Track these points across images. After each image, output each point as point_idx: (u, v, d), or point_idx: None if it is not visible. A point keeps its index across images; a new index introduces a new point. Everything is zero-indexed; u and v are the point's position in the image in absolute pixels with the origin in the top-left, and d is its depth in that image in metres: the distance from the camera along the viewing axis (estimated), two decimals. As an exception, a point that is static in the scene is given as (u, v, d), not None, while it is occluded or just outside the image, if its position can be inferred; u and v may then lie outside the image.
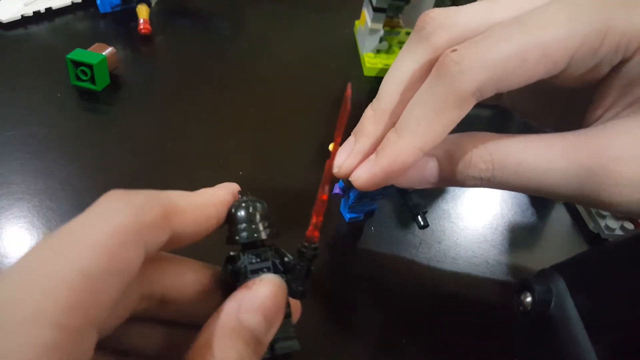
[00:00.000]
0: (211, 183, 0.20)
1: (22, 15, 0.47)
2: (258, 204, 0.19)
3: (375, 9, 0.48)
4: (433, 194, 0.40)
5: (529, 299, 0.30)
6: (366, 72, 0.50)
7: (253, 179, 0.37)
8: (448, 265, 0.35)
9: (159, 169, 0.36)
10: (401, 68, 0.24)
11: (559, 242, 0.39)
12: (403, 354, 0.29)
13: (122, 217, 0.14)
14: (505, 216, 0.39)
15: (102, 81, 0.41)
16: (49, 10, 0.48)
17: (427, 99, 0.22)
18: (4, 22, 0.46)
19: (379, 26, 0.50)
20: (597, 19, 0.20)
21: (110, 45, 0.42)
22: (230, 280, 0.19)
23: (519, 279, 0.31)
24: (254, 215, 0.19)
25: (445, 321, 0.31)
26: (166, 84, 0.44)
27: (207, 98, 0.43)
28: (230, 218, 0.19)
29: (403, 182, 0.24)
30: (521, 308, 0.30)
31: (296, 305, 0.20)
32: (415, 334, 0.30)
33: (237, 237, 0.19)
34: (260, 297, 0.17)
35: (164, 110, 0.42)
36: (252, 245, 0.19)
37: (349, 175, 0.25)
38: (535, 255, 0.37)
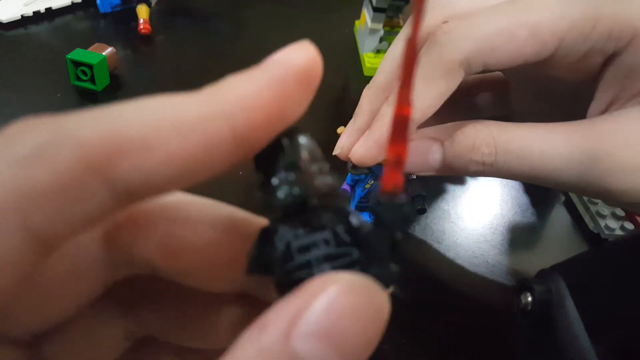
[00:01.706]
0: (211, 182, 0.19)
1: (22, 15, 0.47)
2: (304, 139, 0.12)
3: (375, 9, 0.48)
4: (433, 194, 0.40)
5: (529, 299, 0.30)
6: (366, 72, 0.50)
7: (253, 179, 0.37)
8: (448, 266, 0.35)
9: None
10: (396, 47, 0.25)
11: (559, 242, 0.39)
12: (403, 354, 0.29)
13: None
14: (505, 216, 0.39)
15: (102, 81, 0.41)
16: (49, 10, 0.48)
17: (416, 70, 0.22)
18: (4, 22, 0.46)
19: (379, 26, 0.50)
20: (589, 5, 0.20)
21: (110, 45, 0.42)
22: (264, 270, 0.11)
23: (519, 279, 0.31)
24: (296, 156, 0.12)
25: (445, 321, 0.31)
26: (166, 84, 0.44)
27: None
28: (258, 160, 0.12)
29: (407, 167, 0.25)
30: (521, 308, 0.30)
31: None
32: (414, 333, 0.30)
33: (268, 199, 0.11)
34: (327, 312, 0.09)
35: (164, 110, 0.41)
36: (298, 207, 0.11)
37: (349, 153, 0.25)
38: (535, 256, 0.37)
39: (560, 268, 0.30)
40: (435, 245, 0.36)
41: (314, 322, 0.09)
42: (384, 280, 0.11)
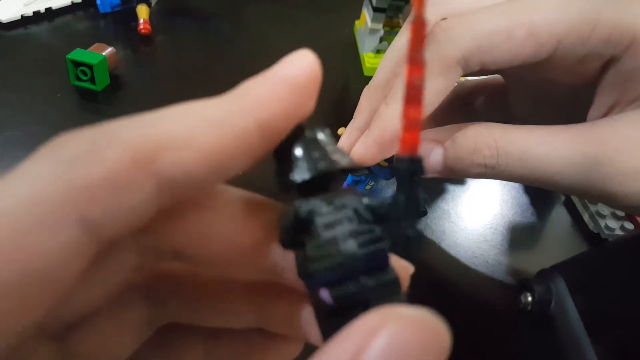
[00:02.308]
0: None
1: (22, 15, 0.47)
2: (319, 131, 0.13)
3: (375, 9, 0.48)
4: (433, 194, 0.40)
5: (529, 299, 0.30)
6: (366, 72, 0.50)
7: (254, 179, 0.37)
8: (448, 266, 0.35)
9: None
10: (395, 45, 0.25)
11: (559, 242, 0.39)
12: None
13: (36, 185, 0.09)
14: (505, 216, 0.39)
15: (102, 81, 0.41)
16: (48, 10, 0.48)
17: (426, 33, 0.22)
18: (4, 22, 0.46)
19: (379, 26, 0.50)
20: (588, 9, 0.20)
21: (110, 45, 0.42)
22: (292, 245, 0.12)
23: (519, 279, 0.31)
24: (315, 142, 0.12)
25: (444, 321, 0.31)
26: (166, 84, 0.44)
27: (207, 98, 0.43)
28: (278, 151, 0.13)
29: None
30: (521, 308, 0.31)
31: (401, 268, 0.14)
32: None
33: (292, 175, 0.12)
34: (390, 350, 0.08)
35: (164, 110, 0.42)
36: (318, 188, 0.12)
37: (349, 152, 0.25)
38: (535, 256, 0.37)
39: (560, 268, 0.30)
40: (435, 245, 0.36)
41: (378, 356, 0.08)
42: (407, 243, 0.12)
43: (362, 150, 0.24)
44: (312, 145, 0.12)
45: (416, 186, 0.12)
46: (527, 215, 0.40)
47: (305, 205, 0.12)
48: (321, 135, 0.13)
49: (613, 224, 0.38)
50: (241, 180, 0.13)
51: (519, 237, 0.38)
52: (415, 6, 0.11)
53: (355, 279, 0.11)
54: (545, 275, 0.30)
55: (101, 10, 0.50)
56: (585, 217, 0.40)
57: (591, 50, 0.21)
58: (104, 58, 0.40)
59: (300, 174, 0.12)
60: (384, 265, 0.11)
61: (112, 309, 0.13)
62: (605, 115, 0.22)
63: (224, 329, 0.15)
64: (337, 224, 0.11)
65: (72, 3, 0.50)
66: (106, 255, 0.12)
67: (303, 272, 0.12)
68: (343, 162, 0.12)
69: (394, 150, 0.24)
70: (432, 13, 0.23)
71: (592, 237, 0.39)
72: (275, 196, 0.14)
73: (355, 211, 0.12)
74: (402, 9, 0.50)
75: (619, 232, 0.38)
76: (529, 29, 0.20)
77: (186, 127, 0.10)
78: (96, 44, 0.41)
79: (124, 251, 0.12)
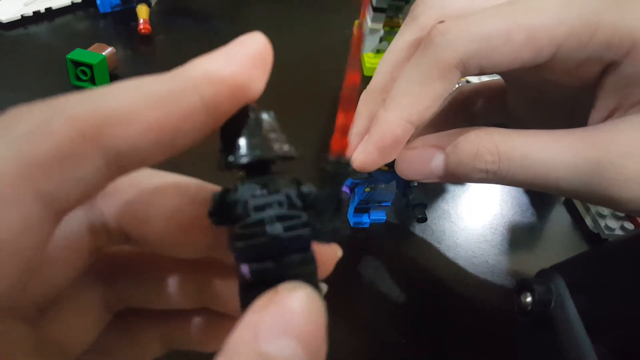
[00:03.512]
0: (182, 162, 0.18)
1: (22, 15, 0.47)
2: (264, 113, 0.13)
3: (375, 9, 0.48)
4: (433, 194, 0.40)
5: (529, 299, 0.30)
6: (366, 72, 0.50)
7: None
8: (447, 265, 0.35)
9: (158, 168, 0.36)
10: (392, 49, 0.25)
11: (558, 242, 0.39)
12: (403, 354, 0.29)
13: None
14: (505, 216, 0.39)
15: (102, 81, 0.41)
16: (48, 10, 0.48)
17: (412, 71, 0.22)
18: (4, 22, 0.46)
19: (379, 26, 0.50)
20: (588, 12, 0.20)
21: (110, 45, 0.42)
22: (222, 222, 0.13)
23: (519, 279, 0.31)
24: (258, 126, 0.13)
25: (444, 321, 0.31)
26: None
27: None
28: (224, 130, 0.13)
29: (409, 174, 0.24)
30: (521, 308, 0.31)
31: (327, 253, 0.15)
32: (414, 333, 0.30)
33: (231, 157, 0.13)
34: (293, 313, 0.11)
35: (164, 110, 0.42)
36: (257, 171, 0.13)
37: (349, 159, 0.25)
38: (535, 255, 0.37)
39: (560, 268, 0.30)
40: (435, 245, 0.36)
41: (280, 320, 0.11)
42: (330, 235, 0.13)
43: (363, 157, 0.24)
44: (254, 129, 0.13)
45: (339, 186, 0.13)
46: (527, 215, 0.40)
47: (238, 189, 0.13)
48: (266, 117, 0.13)
49: (613, 223, 0.38)
50: (188, 161, 0.13)
51: (519, 237, 0.38)
52: (361, 12, 0.11)
53: (276, 258, 0.12)
54: (545, 275, 0.30)
55: (101, 10, 0.50)
56: (585, 217, 0.40)
57: (591, 54, 0.20)
58: (104, 58, 0.40)
59: (239, 158, 0.13)
60: (306, 249, 0.13)
61: (73, 292, 0.14)
62: (606, 118, 0.22)
63: (176, 312, 0.16)
64: (267, 207, 0.12)
65: (72, 3, 0.50)
66: (66, 233, 0.13)
67: (230, 247, 0.12)
68: (280, 150, 0.13)
69: (394, 155, 0.24)
70: (429, 15, 0.23)
71: (592, 237, 0.39)
72: (218, 174, 0.14)
73: (287, 196, 0.13)
74: (402, 9, 0.50)
75: (619, 232, 0.38)
76: (528, 33, 0.20)
77: (132, 102, 0.11)
78: (96, 44, 0.41)
79: (79, 229, 0.13)
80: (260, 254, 0.12)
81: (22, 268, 0.10)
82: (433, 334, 0.30)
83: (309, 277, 0.12)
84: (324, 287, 0.14)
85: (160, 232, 0.14)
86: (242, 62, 0.12)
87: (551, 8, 0.20)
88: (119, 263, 0.16)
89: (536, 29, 0.20)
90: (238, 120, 0.13)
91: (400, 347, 0.29)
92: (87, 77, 0.40)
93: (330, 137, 0.13)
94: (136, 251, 0.15)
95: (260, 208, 0.12)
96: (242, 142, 0.13)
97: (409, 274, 0.33)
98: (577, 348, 0.27)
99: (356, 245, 0.34)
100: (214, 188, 0.14)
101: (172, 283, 0.16)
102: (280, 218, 0.12)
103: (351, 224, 0.35)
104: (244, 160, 0.12)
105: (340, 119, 0.12)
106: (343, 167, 0.13)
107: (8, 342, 0.12)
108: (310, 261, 0.13)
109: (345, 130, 0.12)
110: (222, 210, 0.13)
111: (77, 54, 0.39)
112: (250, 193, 0.12)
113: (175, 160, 0.12)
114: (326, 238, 0.13)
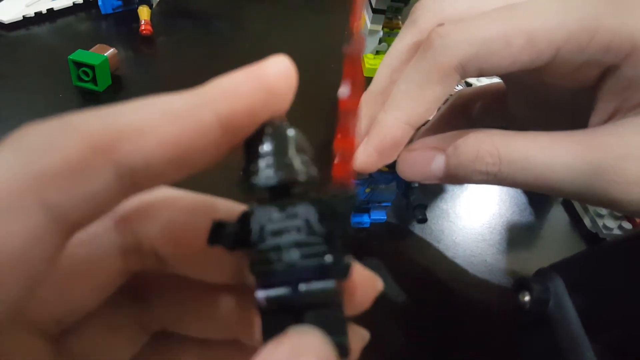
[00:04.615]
0: (210, 183, 0.19)
1: (23, 16, 0.47)
2: (291, 130, 0.13)
3: (375, 10, 0.48)
4: (432, 193, 0.40)
5: (527, 298, 0.30)
6: (366, 73, 0.51)
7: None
8: (446, 265, 0.35)
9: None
10: (392, 52, 0.25)
11: (557, 241, 0.39)
12: (403, 354, 0.29)
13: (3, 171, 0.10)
14: (503, 216, 0.40)
15: (104, 82, 0.41)
16: (50, 11, 0.49)
17: (412, 74, 0.22)
18: (6, 23, 0.46)
19: (378, 27, 0.50)
20: (587, 16, 0.20)
21: (111, 46, 0.42)
22: (239, 246, 0.12)
23: (517, 278, 0.31)
24: (282, 145, 0.12)
25: (443, 320, 0.32)
26: (167, 85, 0.45)
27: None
28: (246, 148, 0.13)
29: (410, 175, 0.25)
30: (519, 307, 0.31)
31: (366, 284, 0.14)
32: (414, 333, 0.30)
33: (252, 180, 0.12)
34: None
35: (165, 110, 0.42)
36: (279, 192, 0.12)
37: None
38: (533, 255, 0.37)
39: (559, 267, 0.30)
40: (435, 245, 0.36)
41: None
42: (336, 272, 0.12)
43: (363, 159, 0.24)
44: (278, 147, 0.12)
45: (347, 222, 0.12)
46: (526, 215, 0.40)
47: (255, 212, 0.12)
48: (292, 133, 0.13)
49: (611, 223, 0.39)
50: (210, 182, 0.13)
51: (517, 236, 0.38)
52: (353, 40, 0.11)
53: (293, 285, 0.12)
54: (543, 274, 0.31)
55: (103, 11, 0.51)
56: (584, 217, 0.40)
57: (590, 57, 0.21)
58: (106, 59, 0.40)
59: (261, 181, 0.12)
60: (325, 277, 0.12)
61: (105, 312, 0.14)
62: (606, 121, 0.22)
63: (212, 340, 0.16)
64: (284, 232, 0.12)
65: (74, 4, 0.50)
66: (92, 252, 0.13)
67: (249, 272, 0.12)
68: (304, 175, 0.12)
69: (394, 156, 0.24)
70: (428, 19, 0.23)
71: (590, 237, 0.39)
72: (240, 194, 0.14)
73: (307, 222, 0.12)
74: (401, 11, 0.51)
75: (617, 232, 0.39)
76: (527, 36, 0.20)
77: (146, 118, 0.11)
78: (98, 45, 0.42)
79: (107, 249, 0.13)
80: (276, 281, 0.12)
81: (27, 279, 0.10)
82: (432, 332, 0.31)
83: (330, 306, 0.12)
84: (363, 333, 0.13)
85: (196, 254, 0.13)
86: (261, 80, 0.12)
87: (550, 12, 0.20)
88: (156, 284, 0.15)
89: (535, 33, 0.20)
90: (261, 137, 0.12)
91: (400, 346, 0.30)
92: (89, 78, 0.40)
93: (330, 138, 0.13)
94: (172, 274, 0.15)
95: (277, 233, 0.12)
96: (265, 162, 0.12)
97: (408, 274, 0.34)
98: (575, 347, 0.27)
99: (356, 245, 0.35)
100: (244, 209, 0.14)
101: (206, 309, 0.15)
102: (297, 244, 0.12)
103: (351, 225, 0.35)
104: (266, 183, 0.12)
105: (338, 144, 0.12)
106: (349, 202, 0.12)
107: (21, 356, 0.12)
108: (329, 289, 0.12)
109: (346, 156, 0.12)
110: (233, 237, 0.12)
111: (79, 55, 0.40)
112: (267, 217, 0.12)
113: (199, 179, 0.12)
114: (339, 270, 0.12)
